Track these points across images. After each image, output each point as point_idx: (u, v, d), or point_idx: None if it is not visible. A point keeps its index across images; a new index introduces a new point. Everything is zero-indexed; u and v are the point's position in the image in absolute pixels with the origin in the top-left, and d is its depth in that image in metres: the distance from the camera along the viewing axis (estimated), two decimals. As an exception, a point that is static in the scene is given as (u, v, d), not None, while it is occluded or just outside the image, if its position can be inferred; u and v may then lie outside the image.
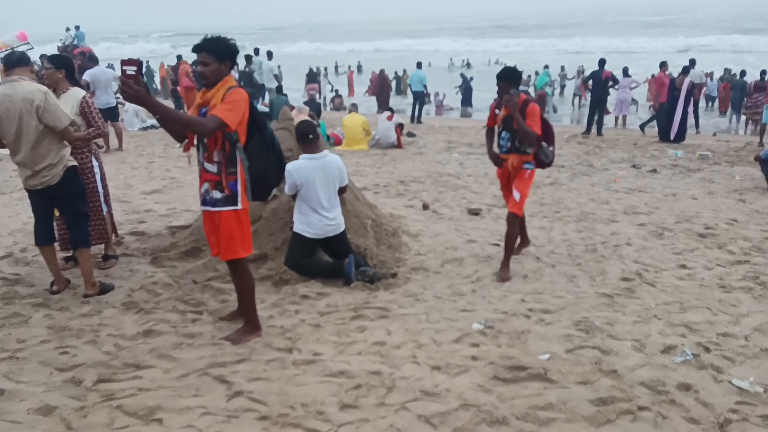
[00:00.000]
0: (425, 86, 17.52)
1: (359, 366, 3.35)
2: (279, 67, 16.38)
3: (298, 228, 4.87)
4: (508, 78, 4.82)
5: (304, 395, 3.04)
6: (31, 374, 3.25)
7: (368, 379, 3.21)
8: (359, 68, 35.64)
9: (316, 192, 4.77)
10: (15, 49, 7.87)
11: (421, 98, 17.51)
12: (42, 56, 11.72)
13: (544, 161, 5.15)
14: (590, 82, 14.42)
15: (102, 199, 5.01)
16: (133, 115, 11.26)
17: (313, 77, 20.47)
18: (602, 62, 14.10)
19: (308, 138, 4.79)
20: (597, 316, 4.18)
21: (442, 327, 3.93)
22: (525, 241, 5.68)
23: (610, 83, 14.21)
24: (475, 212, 7.07)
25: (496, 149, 5.23)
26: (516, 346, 3.69)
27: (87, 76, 10.82)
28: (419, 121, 17.18)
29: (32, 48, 14.34)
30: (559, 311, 4.28)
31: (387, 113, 12.09)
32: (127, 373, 3.27)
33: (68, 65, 4.82)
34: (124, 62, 2.96)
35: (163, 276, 4.89)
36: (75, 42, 19.39)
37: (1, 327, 3.86)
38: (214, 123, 3.22)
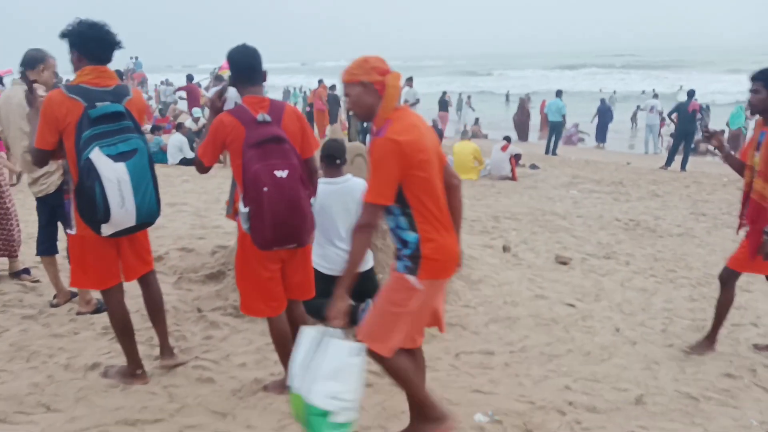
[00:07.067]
0: (563, 116, 16.06)
1: (284, 454, 2.56)
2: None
3: (314, 262, 4.20)
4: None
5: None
6: (-60, 400, 2.93)
7: (282, 477, 2.41)
8: (507, 97, 34.44)
9: (334, 221, 4.09)
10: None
11: (558, 129, 16.08)
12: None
13: None
14: (675, 114, 13.65)
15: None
16: (176, 149, 11.56)
17: (444, 105, 19.86)
18: (691, 93, 13.62)
19: (334, 162, 4.11)
20: (661, 428, 2.96)
21: (431, 412, 2.99)
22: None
23: (699, 116, 13.68)
24: (563, 261, 5.88)
25: None
26: (517, 458, 2.65)
27: (210, 94, 11.30)
28: (554, 153, 15.76)
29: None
30: (610, 413, 3.11)
31: (503, 142, 11.05)
32: (30, 415, 2.82)
33: None
34: None
35: (173, 299, 4.49)
36: (134, 68, 24.39)
37: (-33, 338, 3.67)
38: None
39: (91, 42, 2.90)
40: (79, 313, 4.13)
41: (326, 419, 2.26)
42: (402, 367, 2.52)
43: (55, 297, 4.31)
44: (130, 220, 2.91)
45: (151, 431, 2.71)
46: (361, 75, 2.38)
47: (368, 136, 14.47)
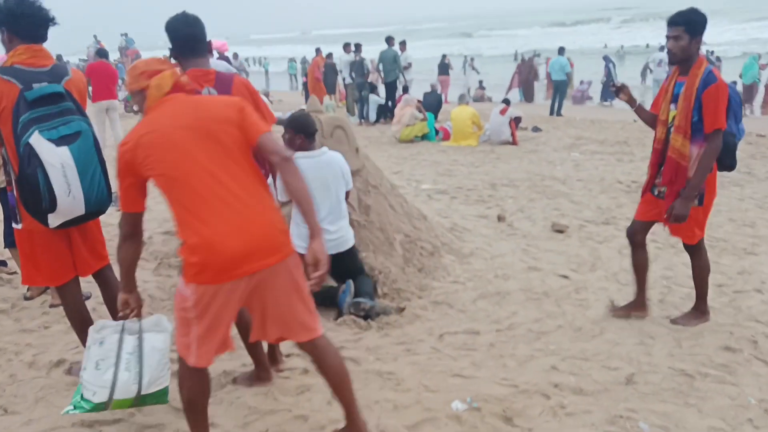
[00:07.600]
0: (567, 75, 15.57)
1: (244, 455, 2.42)
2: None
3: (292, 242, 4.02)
4: None
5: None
6: None
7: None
8: (515, 57, 33.62)
9: (312, 198, 3.89)
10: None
11: (562, 88, 15.59)
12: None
13: None
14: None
15: None
16: None
17: (444, 68, 19.27)
18: None
19: (300, 135, 3.89)
20: (652, 410, 2.78)
21: (406, 401, 2.84)
22: None
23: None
24: (560, 230, 5.65)
25: None
26: (494, 449, 2.49)
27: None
28: (559, 114, 15.31)
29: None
30: (597, 394, 2.93)
31: (501, 105, 10.68)
32: (-15, 420, 2.70)
33: None
34: None
35: (150, 287, 4.36)
36: (127, 45, 24.53)
37: (-69, 337, 3.56)
38: None
39: (22, 19, 2.69)
40: (52, 306, 4.01)
41: (80, 387, 2.45)
42: (186, 394, 2.33)
43: (28, 290, 4.19)
44: (79, 209, 2.74)
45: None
46: (134, 84, 2.24)
47: (365, 106, 14.13)
